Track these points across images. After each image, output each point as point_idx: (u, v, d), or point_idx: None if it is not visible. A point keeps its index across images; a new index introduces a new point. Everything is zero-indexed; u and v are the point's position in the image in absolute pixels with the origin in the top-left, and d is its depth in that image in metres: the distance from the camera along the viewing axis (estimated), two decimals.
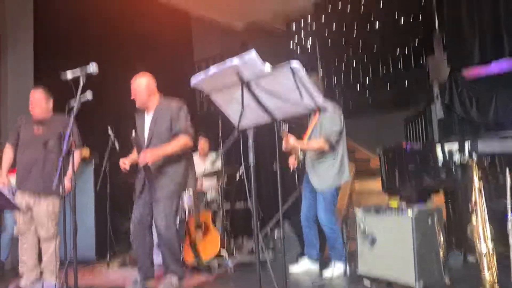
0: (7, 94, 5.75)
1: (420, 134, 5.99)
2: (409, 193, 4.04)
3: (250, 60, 1.78)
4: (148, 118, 3.86)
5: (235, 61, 1.82)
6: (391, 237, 3.29)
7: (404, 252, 3.16)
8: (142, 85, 3.79)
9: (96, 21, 6.53)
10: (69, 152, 3.27)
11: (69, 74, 3.12)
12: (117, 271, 4.78)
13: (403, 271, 3.17)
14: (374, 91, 7.05)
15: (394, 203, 3.60)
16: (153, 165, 3.71)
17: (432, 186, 4.07)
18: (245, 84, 1.87)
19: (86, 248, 5.23)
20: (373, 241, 3.40)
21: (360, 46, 7.37)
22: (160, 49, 7.26)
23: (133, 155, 3.81)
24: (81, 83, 3.08)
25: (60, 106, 4.16)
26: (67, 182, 3.78)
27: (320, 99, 1.87)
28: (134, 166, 3.85)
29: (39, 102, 3.98)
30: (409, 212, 3.18)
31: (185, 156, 3.86)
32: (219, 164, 5.32)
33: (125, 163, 3.70)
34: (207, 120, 7.39)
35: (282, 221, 2.52)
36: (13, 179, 4.83)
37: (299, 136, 3.96)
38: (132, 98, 3.84)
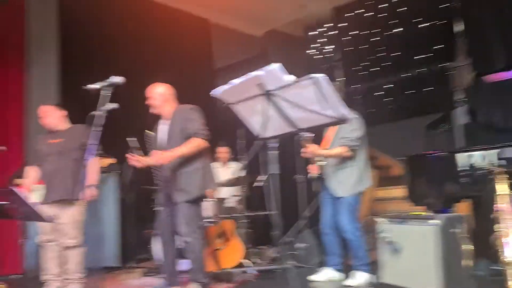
0: (32, 108, 5.89)
1: (443, 141, 5.89)
2: (434, 201, 3.97)
3: (273, 72, 1.78)
4: (165, 126, 3.96)
5: (258, 72, 1.83)
6: (415, 245, 3.25)
7: (429, 260, 3.12)
8: (157, 92, 3.92)
9: (118, 33, 6.64)
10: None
11: (95, 86, 3.19)
12: (141, 279, 4.82)
13: (428, 280, 3.12)
14: (395, 97, 6.97)
15: (419, 211, 3.55)
16: (168, 170, 3.77)
17: (457, 193, 3.99)
18: (268, 95, 1.88)
19: (110, 256, 5.31)
20: (396, 250, 3.36)
21: (380, 52, 7.30)
22: (180, 58, 7.33)
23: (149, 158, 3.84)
24: (108, 94, 3.15)
25: (84, 119, 4.27)
26: (87, 189, 3.87)
27: (344, 110, 1.86)
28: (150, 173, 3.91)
29: (48, 113, 4.10)
30: (434, 220, 3.13)
31: (200, 159, 3.86)
32: (239, 173, 5.33)
33: (135, 158, 3.69)
34: (227, 128, 7.42)
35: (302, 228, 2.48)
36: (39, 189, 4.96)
37: (317, 143, 3.95)
38: (146, 103, 3.94)
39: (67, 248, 3.97)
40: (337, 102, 1.85)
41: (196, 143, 3.75)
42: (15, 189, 3.24)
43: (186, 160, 3.80)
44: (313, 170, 4.04)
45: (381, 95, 7.16)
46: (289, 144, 2.68)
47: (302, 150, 3.69)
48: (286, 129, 2.01)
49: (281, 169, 4.83)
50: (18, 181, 4.96)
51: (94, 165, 3.87)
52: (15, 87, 5.82)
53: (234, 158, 5.93)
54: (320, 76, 1.78)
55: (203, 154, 3.93)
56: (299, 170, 4.25)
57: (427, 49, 6.82)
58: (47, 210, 3.94)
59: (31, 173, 4.14)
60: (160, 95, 3.91)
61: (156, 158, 3.63)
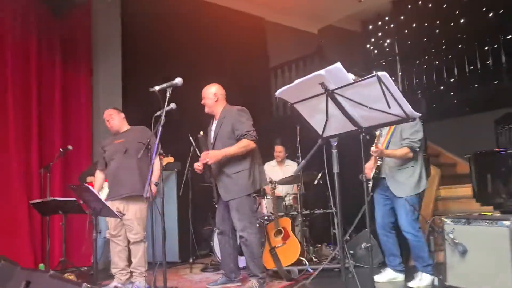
0: (99, 110, 6.19)
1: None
2: (503, 201, 3.75)
3: (336, 71, 1.76)
4: (214, 125, 4.10)
5: (320, 71, 1.81)
6: (484, 247, 3.09)
7: (500, 263, 2.95)
8: (211, 92, 4.07)
9: (176, 35, 6.84)
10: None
11: (158, 88, 3.32)
12: (201, 274, 4.94)
13: (498, 284, 2.96)
14: (459, 92, 6.64)
15: (487, 212, 3.37)
16: (216, 169, 3.90)
17: None
18: (330, 94, 1.86)
19: (169, 251, 5.44)
20: (464, 252, 3.21)
21: (444, 44, 6.99)
22: (236, 57, 7.42)
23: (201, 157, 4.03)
24: (168, 95, 3.29)
25: (145, 119, 4.44)
26: (153, 185, 4.03)
27: (408, 107, 1.80)
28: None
29: (112, 116, 4.35)
30: (506, 222, 2.96)
31: (248, 160, 3.95)
32: (296, 171, 5.31)
33: (199, 166, 3.95)
34: (283, 125, 7.43)
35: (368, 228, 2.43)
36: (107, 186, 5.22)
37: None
38: (202, 103, 4.10)
39: (132, 243, 4.15)
40: (403, 100, 1.79)
41: (245, 144, 3.87)
42: (89, 186, 3.44)
43: (234, 161, 3.90)
44: (368, 170, 3.97)
45: (444, 89, 6.85)
46: (346, 143, 2.62)
47: (372, 148, 3.63)
48: (348, 127, 1.98)
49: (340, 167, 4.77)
50: (88, 179, 5.24)
51: (157, 163, 4.02)
52: (84, 90, 6.15)
53: (291, 156, 5.92)
54: (384, 73, 1.73)
55: (251, 154, 4.00)
56: (355, 169, 4.19)
57: (494, 40, 6.43)
58: (111, 205, 4.15)
59: (99, 176, 4.39)
60: (213, 95, 4.06)
61: (205, 156, 3.79)
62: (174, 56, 6.74)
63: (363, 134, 2.01)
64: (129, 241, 4.20)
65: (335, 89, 1.83)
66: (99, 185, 4.38)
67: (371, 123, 1.92)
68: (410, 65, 7.29)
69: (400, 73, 7.22)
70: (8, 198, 5.25)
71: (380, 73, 1.73)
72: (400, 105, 1.75)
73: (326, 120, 1.95)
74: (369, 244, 2.27)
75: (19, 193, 5.32)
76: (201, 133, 3.85)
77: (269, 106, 8.28)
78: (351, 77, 1.77)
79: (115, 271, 4.25)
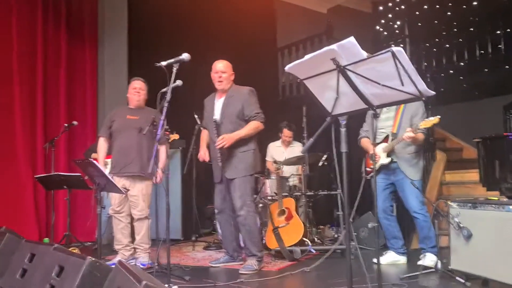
0: (104, 85, 6.15)
1: None
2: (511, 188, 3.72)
3: (349, 46, 1.71)
4: (218, 103, 4.04)
5: (332, 46, 1.76)
6: (490, 232, 3.06)
7: (505, 248, 2.92)
8: (231, 67, 4.04)
9: (183, 11, 6.75)
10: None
11: (164, 63, 3.28)
12: (202, 252, 4.96)
13: (503, 269, 2.93)
14: (469, 76, 6.53)
15: (494, 197, 3.34)
16: (228, 149, 3.89)
17: None
18: (341, 70, 1.81)
19: (173, 229, 5.47)
20: (468, 236, 3.19)
21: (455, 26, 6.85)
22: (244, 36, 7.33)
23: (203, 145, 4.13)
24: (174, 71, 3.25)
25: (151, 96, 4.41)
26: (161, 171, 4.10)
27: (423, 85, 1.76)
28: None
29: (143, 89, 4.31)
30: None
31: (254, 139, 4.01)
32: (301, 151, 5.29)
33: (204, 155, 4.05)
34: (289, 106, 7.38)
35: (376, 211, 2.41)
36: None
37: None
38: (218, 81, 3.99)
39: (136, 219, 4.16)
40: (417, 77, 1.74)
41: (255, 126, 3.92)
42: (93, 161, 3.43)
43: (242, 140, 3.91)
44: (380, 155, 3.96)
45: (453, 73, 6.74)
46: (353, 122, 2.57)
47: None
48: (358, 106, 1.94)
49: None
50: (93, 155, 5.24)
51: (164, 150, 4.07)
52: (90, 65, 6.11)
53: (297, 137, 5.89)
54: (399, 49, 1.68)
55: (256, 136, 4.05)
56: (360, 150, 4.17)
57: (507, 24, 6.29)
58: (117, 181, 4.14)
59: (102, 144, 4.31)
60: (229, 71, 4.03)
61: (221, 140, 3.77)
62: (181, 32, 6.67)
63: (374, 112, 1.96)
64: (132, 218, 4.22)
65: (347, 64, 1.78)
66: (104, 152, 4.32)
67: (383, 101, 1.88)
68: (420, 48, 7.16)
69: (409, 56, 7.10)
70: (14, 173, 5.27)
71: (394, 49, 1.68)
72: (414, 83, 1.71)
73: (336, 98, 1.91)
74: (376, 224, 2.25)
75: (24, 168, 5.34)
76: (215, 118, 3.87)
77: (276, 86, 8.22)
78: (364, 53, 1.72)
79: (118, 247, 4.27)
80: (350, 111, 1.97)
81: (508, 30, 6.21)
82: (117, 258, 4.25)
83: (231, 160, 3.92)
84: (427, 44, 7.08)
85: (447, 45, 6.83)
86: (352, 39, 1.69)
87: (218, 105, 4.04)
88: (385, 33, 7.72)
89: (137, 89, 4.28)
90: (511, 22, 6.24)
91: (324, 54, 1.81)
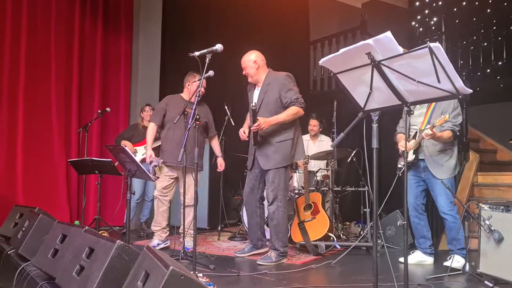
0: (137, 73, 6.26)
1: None
2: None
3: (385, 40, 1.69)
4: (257, 91, 4.01)
5: (368, 40, 1.74)
6: None
7: None
8: (251, 60, 3.96)
9: (218, 2, 6.78)
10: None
11: (197, 53, 3.31)
12: (227, 242, 5.01)
13: None
14: (507, 76, 6.32)
15: None
16: (261, 136, 3.83)
17: None
18: (376, 65, 1.79)
19: (199, 218, 5.56)
20: (499, 240, 3.11)
21: (494, 24, 6.62)
22: (277, 29, 7.31)
23: (246, 126, 4.03)
24: (207, 61, 3.27)
25: (181, 84, 4.47)
26: (221, 160, 4.53)
27: (460, 82, 1.72)
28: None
29: (205, 89, 4.35)
30: None
31: (293, 130, 3.90)
32: (329, 146, 5.26)
33: (244, 132, 3.92)
34: (320, 100, 7.33)
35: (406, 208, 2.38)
36: (141, 150, 5.33)
37: None
38: (244, 74, 4.02)
39: (187, 205, 4.28)
40: (455, 74, 1.71)
41: (295, 111, 3.81)
42: (125, 147, 3.51)
43: (280, 129, 3.85)
44: (408, 148, 3.89)
45: (490, 73, 6.54)
46: (386, 118, 2.52)
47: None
48: (391, 102, 1.91)
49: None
50: (123, 142, 5.36)
51: (216, 141, 4.60)
52: (124, 54, 6.23)
53: (326, 131, 5.86)
54: (437, 44, 1.65)
55: (296, 124, 3.95)
56: (390, 147, 4.11)
57: None
58: (169, 170, 4.35)
59: (152, 130, 4.44)
60: (254, 63, 3.96)
61: (258, 122, 3.69)
62: (214, 24, 6.71)
63: (408, 109, 1.93)
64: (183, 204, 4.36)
65: (382, 60, 1.76)
66: (152, 137, 4.45)
67: (417, 98, 1.85)
68: (456, 45, 6.98)
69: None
70: (49, 157, 5.45)
71: (432, 44, 1.64)
72: (451, 80, 1.67)
73: (370, 93, 1.89)
74: (405, 222, 2.23)
75: (58, 152, 5.51)
76: (253, 104, 3.79)
77: (307, 80, 8.16)
78: (400, 48, 1.69)
79: (157, 229, 4.42)
80: (383, 107, 1.95)
81: None
82: (155, 240, 4.42)
83: (267, 150, 3.86)
84: (464, 42, 6.88)
85: (485, 43, 6.62)
86: (388, 33, 1.67)
87: (256, 93, 4.02)
88: (421, 29, 7.55)
89: (203, 87, 4.33)
90: None
91: (359, 48, 1.79)
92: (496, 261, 3.15)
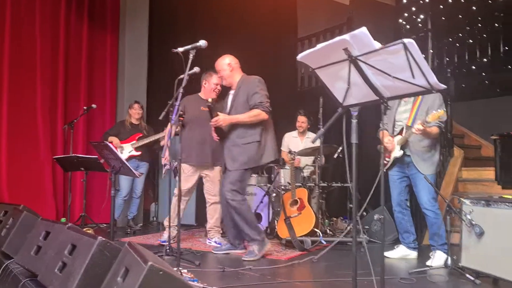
0: (124, 70, 6.23)
1: None
2: None
3: (361, 36, 1.70)
4: (230, 95, 4.09)
5: (344, 36, 1.76)
6: (502, 231, 3.02)
7: None
8: (225, 63, 4.02)
9: (203, 0, 6.76)
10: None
11: (181, 49, 3.31)
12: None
13: None
14: (491, 72, 6.38)
15: (508, 194, 3.29)
16: (227, 138, 3.92)
17: None
18: (353, 61, 1.81)
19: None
20: (480, 234, 3.16)
21: (479, 21, 6.68)
22: (265, 26, 7.30)
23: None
24: (191, 57, 3.28)
25: (170, 82, 4.45)
26: None
27: (434, 78, 1.74)
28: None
29: (220, 88, 4.49)
30: None
31: (259, 130, 3.92)
32: (316, 142, 5.28)
33: (215, 134, 3.95)
34: (307, 97, 7.35)
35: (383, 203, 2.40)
36: (127, 147, 5.31)
37: None
38: (218, 77, 4.12)
39: (211, 203, 4.54)
40: (428, 69, 1.73)
41: (256, 113, 3.85)
42: (109, 143, 3.50)
43: (246, 130, 3.89)
44: (391, 147, 3.94)
45: (475, 69, 6.59)
46: (366, 113, 2.53)
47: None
48: (369, 97, 1.93)
49: (361, 140, 4.70)
50: (110, 138, 5.35)
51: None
52: (110, 51, 6.20)
53: (313, 128, 5.88)
54: (411, 41, 1.67)
55: (263, 127, 3.96)
56: (374, 142, 4.15)
57: None
58: (190, 169, 4.45)
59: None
60: (228, 65, 4.01)
61: (216, 119, 3.76)
62: (201, 20, 6.70)
63: (385, 104, 1.96)
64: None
65: (359, 55, 1.78)
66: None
67: (394, 93, 1.87)
68: (442, 43, 7.03)
69: (431, 50, 6.97)
70: (34, 154, 5.42)
71: (406, 40, 1.66)
72: (424, 75, 1.70)
73: (348, 88, 1.90)
74: (382, 216, 2.25)
75: (44, 149, 5.48)
76: (210, 100, 3.81)
77: (295, 77, 8.18)
78: (377, 44, 1.72)
79: (167, 224, 4.37)
80: (361, 102, 1.97)
81: None
82: (165, 234, 4.40)
83: (233, 151, 3.92)
84: (450, 39, 6.93)
85: (471, 41, 6.68)
86: (364, 29, 1.69)
87: (230, 97, 4.09)
88: (408, 26, 7.59)
89: (218, 87, 4.49)
90: None
91: (336, 43, 1.81)
92: (477, 255, 3.19)
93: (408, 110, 3.94)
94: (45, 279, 2.64)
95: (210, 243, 4.55)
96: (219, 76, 4.11)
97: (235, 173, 3.89)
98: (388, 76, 1.77)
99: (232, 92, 4.09)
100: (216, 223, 4.56)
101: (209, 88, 4.50)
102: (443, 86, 1.74)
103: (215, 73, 4.42)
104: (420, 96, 3.83)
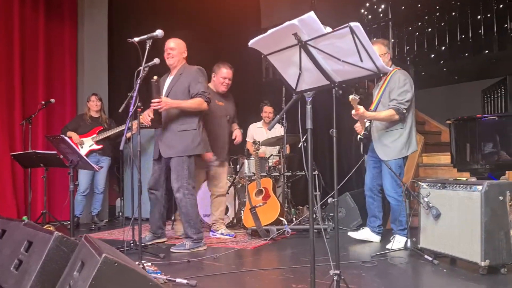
0: (83, 62, 6.07)
1: (499, 106, 5.56)
2: (481, 169, 3.79)
3: (309, 20, 1.71)
4: (168, 80, 4.03)
5: (293, 21, 1.76)
6: (457, 212, 3.12)
7: (471, 228, 2.99)
8: (181, 43, 4.01)
9: None
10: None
11: (136, 39, 3.25)
12: (181, 231, 4.97)
13: (468, 248, 3.01)
14: (450, 60, 6.57)
15: (463, 177, 3.40)
16: (165, 123, 3.85)
17: (509, 162, 3.79)
18: (303, 45, 1.82)
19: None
20: (437, 215, 3.26)
21: (437, 10, 6.85)
22: (228, 15, 7.26)
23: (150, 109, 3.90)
24: (147, 47, 3.22)
25: (130, 74, 4.37)
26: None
27: (380, 61, 1.77)
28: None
29: (231, 80, 4.51)
30: (479, 186, 2.98)
31: (197, 119, 3.91)
32: (281, 132, 5.31)
33: (148, 115, 3.82)
34: (272, 87, 7.37)
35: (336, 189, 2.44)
36: (88, 141, 5.19)
37: (367, 105, 3.84)
38: (165, 57, 3.98)
39: (217, 195, 4.58)
40: (375, 53, 1.75)
41: (199, 102, 3.84)
42: (65, 137, 3.41)
43: (183, 118, 3.86)
44: (358, 130, 3.97)
45: (434, 57, 6.77)
46: (323, 98, 2.54)
47: (352, 112, 3.60)
48: (321, 82, 1.94)
49: (325, 128, 4.76)
50: (69, 133, 5.22)
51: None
52: (69, 43, 6.02)
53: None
54: (357, 24, 1.68)
55: (201, 117, 3.97)
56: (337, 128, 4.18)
57: (488, 8, 6.31)
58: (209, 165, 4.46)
59: None
60: (183, 46, 4.02)
61: (158, 101, 3.64)
62: (162, 10, 6.60)
63: (336, 89, 1.98)
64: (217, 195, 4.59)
65: (308, 40, 1.79)
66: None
67: (344, 77, 1.89)
68: (402, 32, 7.18)
69: (392, 40, 7.11)
70: None
71: (352, 24, 1.68)
72: (371, 59, 1.72)
73: (300, 74, 1.91)
74: (335, 199, 2.29)
75: (2, 146, 5.28)
76: (155, 77, 3.66)
77: (259, 67, 8.18)
78: (327, 28, 1.73)
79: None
80: (313, 87, 1.98)
81: (489, 15, 6.23)
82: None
83: (168, 138, 3.87)
84: (410, 28, 7.09)
85: (429, 29, 6.85)
86: (312, 14, 1.70)
87: (168, 81, 4.03)
88: (369, 16, 7.71)
89: (228, 80, 4.49)
90: (491, 7, 6.26)
91: (285, 28, 1.81)
92: (435, 236, 3.29)
93: (376, 94, 3.95)
94: (0, 278, 2.57)
95: (215, 235, 4.51)
96: (167, 54, 3.98)
97: (177, 163, 3.82)
98: (337, 60, 1.79)
99: (171, 77, 4.03)
100: (221, 215, 4.61)
101: (217, 81, 4.49)
102: (389, 69, 1.77)
103: (223, 65, 4.40)
104: (387, 79, 3.78)
